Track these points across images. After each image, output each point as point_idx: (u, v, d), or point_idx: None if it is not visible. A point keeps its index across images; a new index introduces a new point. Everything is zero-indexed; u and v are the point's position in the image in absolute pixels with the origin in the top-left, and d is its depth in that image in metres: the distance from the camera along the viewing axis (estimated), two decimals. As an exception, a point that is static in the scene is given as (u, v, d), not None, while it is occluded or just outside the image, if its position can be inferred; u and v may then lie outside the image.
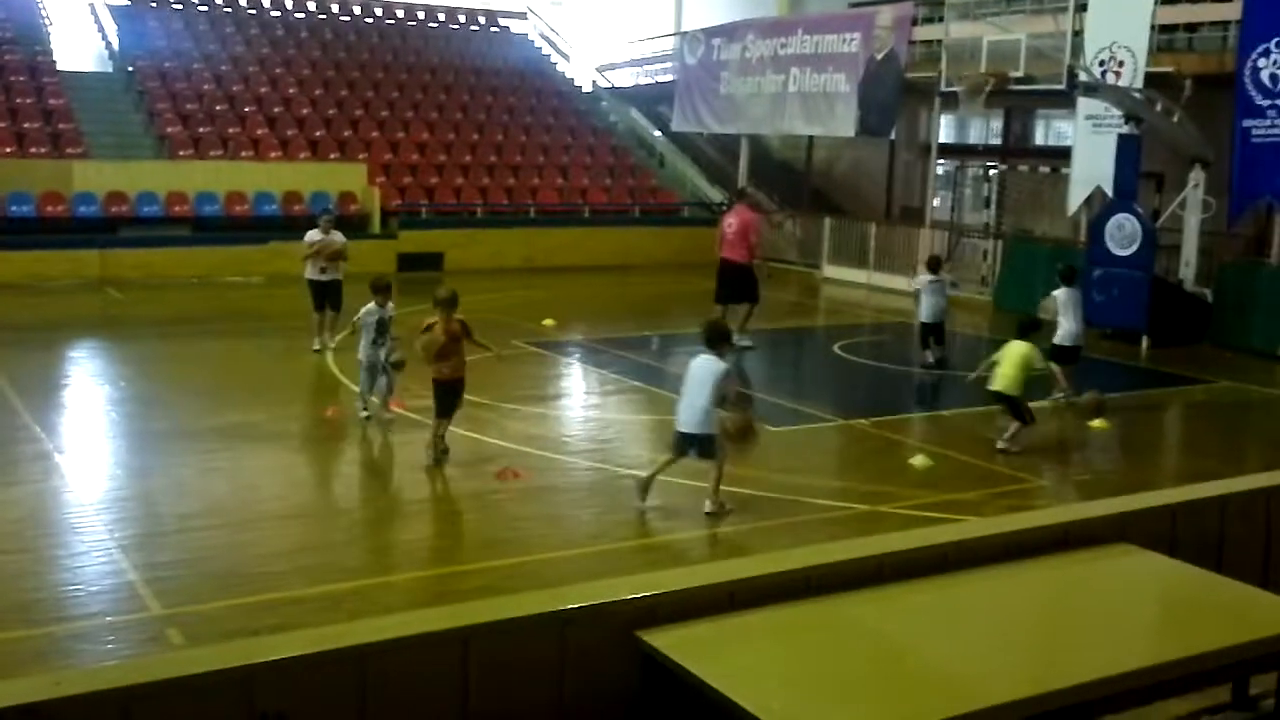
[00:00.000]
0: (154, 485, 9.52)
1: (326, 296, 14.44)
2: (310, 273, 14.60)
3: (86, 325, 17.41)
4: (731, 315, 14.96)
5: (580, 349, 16.03)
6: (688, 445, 8.95)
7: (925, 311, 14.56)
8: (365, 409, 11.40)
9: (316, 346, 14.36)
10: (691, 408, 8.88)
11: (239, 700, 3.53)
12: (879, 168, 26.36)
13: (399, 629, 3.84)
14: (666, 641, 4.06)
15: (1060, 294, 12.92)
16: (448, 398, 10.15)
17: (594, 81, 32.18)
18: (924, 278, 14.74)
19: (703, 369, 8.91)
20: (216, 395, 12.62)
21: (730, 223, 16.03)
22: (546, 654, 4.00)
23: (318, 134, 24.97)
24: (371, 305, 11.26)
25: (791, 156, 28.76)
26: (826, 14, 25.64)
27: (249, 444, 10.78)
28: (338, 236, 14.74)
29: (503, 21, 33.10)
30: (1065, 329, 12.82)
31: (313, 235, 14.72)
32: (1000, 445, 10.84)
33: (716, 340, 9.12)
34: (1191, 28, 18.65)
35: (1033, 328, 11.22)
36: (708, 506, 8.92)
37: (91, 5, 27.68)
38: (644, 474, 9.20)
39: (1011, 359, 10.84)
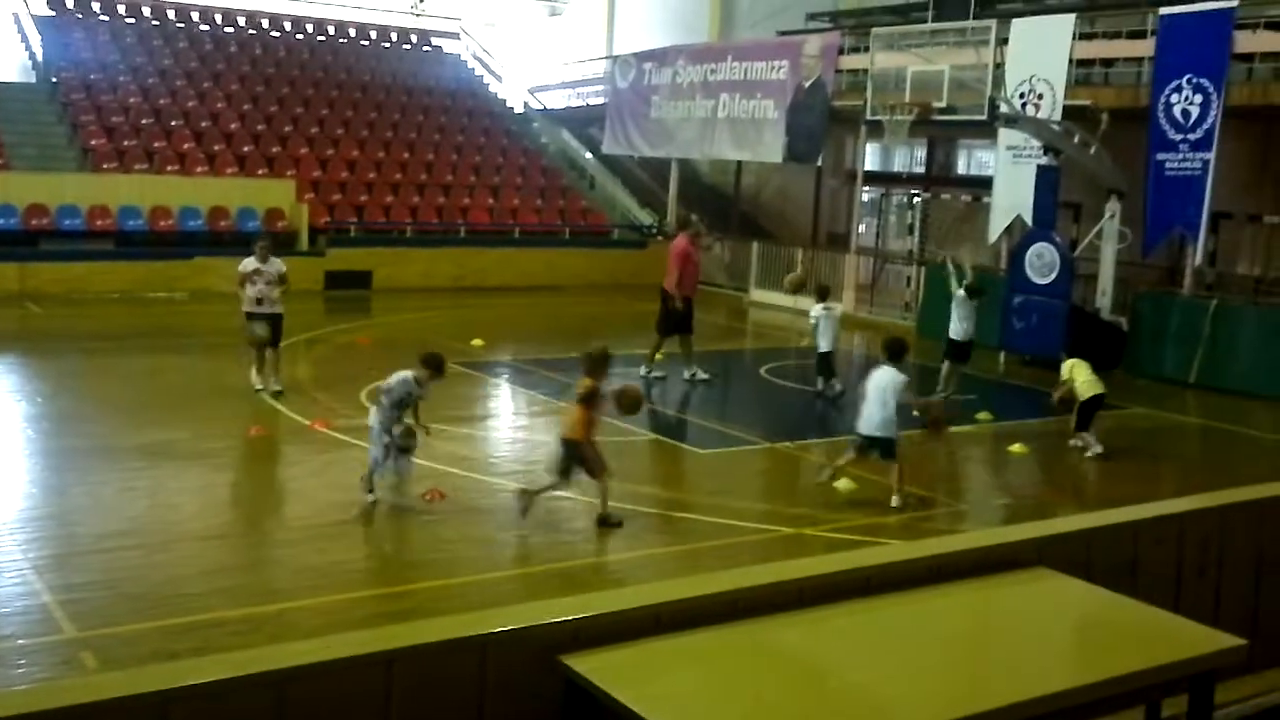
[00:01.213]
0: (70, 504, 9.33)
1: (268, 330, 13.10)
2: (247, 305, 13.11)
3: (3, 340, 17.02)
4: (685, 344, 15.23)
5: (509, 369, 16.00)
6: (870, 447, 10.07)
7: (826, 341, 14.29)
8: (372, 491, 9.47)
9: (259, 386, 13.06)
10: (874, 414, 9.96)
11: (155, 726, 3.48)
12: (806, 193, 26.65)
13: (320, 653, 3.80)
14: (590, 666, 4.06)
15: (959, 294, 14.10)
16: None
17: (526, 103, 32.22)
18: (819, 308, 14.45)
19: (885, 378, 10.00)
20: (138, 412, 12.41)
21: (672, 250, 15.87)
22: (469, 678, 3.98)
23: (245, 149, 24.69)
24: (408, 376, 9.30)
25: (720, 181, 29.00)
26: (756, 41, 25.94)
27: (170, 462, 10.61)
28: (276, 264, 13.27)
29: (435, 41, 33.03)
30: (958, 326, 14.06)
31: (249, 263, 13.21)
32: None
33: (898, 353, 10.22)
34: (1108, 63, 19.12)
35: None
36: (894, 502, 9.91)
37: (15, 15, 27.19)
38: (824, 474, 10.17)
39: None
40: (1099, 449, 12.10)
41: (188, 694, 3.54)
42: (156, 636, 6.79)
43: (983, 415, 13.48)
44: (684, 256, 15.50)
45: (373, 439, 9.39)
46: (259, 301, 13.05)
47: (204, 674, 3.66)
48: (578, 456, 9.17)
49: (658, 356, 15.44)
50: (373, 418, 9.42)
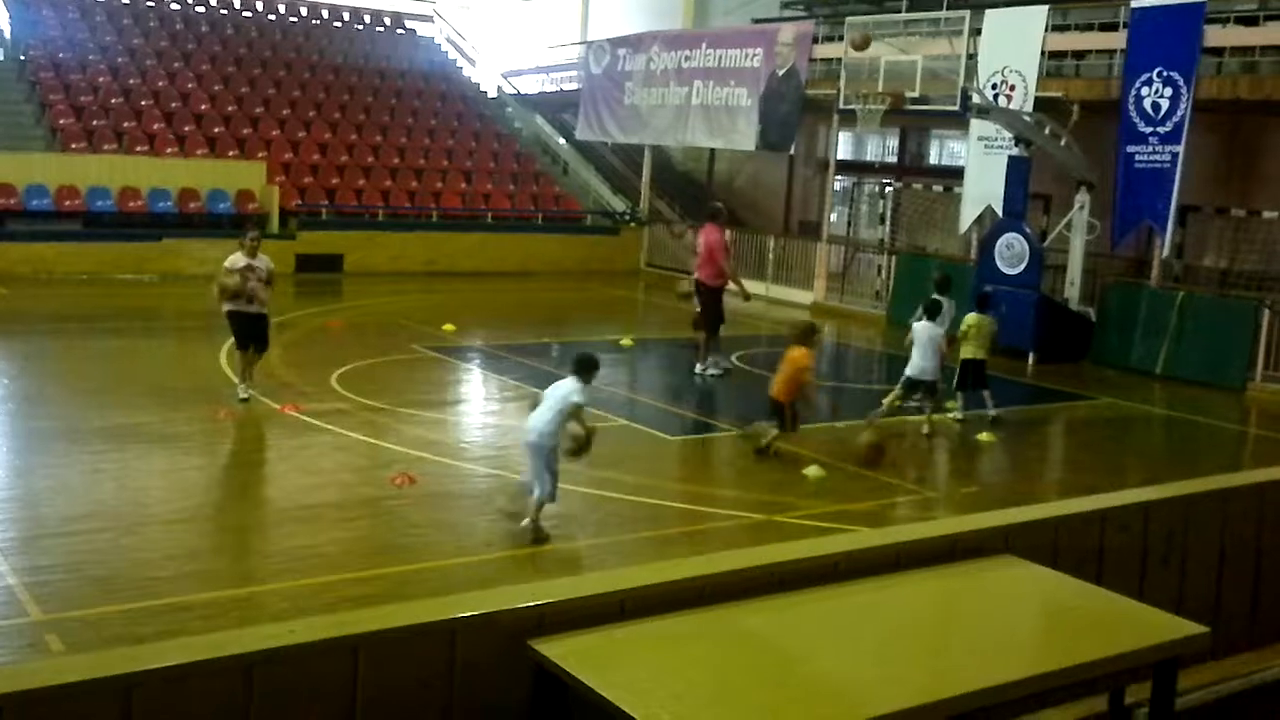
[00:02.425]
0: (37, 486, 9.26)
1: (252, 332, 12.02)
2: (234, 304, 11.89)
3: (-33, 321, 16.86)
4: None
5: (480, 354, 15.97)
6: (914, 389, 12.45)
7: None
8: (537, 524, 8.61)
9: (244, 395, 11.95)
10: (923, 363, 12.32)
11: (118, 711, 3.46)
12: (778, 182, 26.70)
13: (286, 638, 3.78)
14: (557, 651, 4.06)
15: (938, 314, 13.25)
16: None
17: (499, 87, 32.09)
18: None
19: (934, 331, 12.41)
20: (105, 395, 12.32)
21: (699, 242, 15.53)
22: (436, 664, 3.98)
23: (216, 130, 24.49)
24: (578, 384, 8.65)
25: (693, 168, 29.00)
26: (730, 29, 25.94)
27: (137, 445, 10.54)
28: (265, 260, 12.06)
29: (409, 24, 32.84)
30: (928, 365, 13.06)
31: (237, 260, 11.89)
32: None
33: (934, 312, 12.60)
34: (1079, 55, 19.24)
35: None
36: (925, 429, 12.38)
37: (-18, -8, 26.83)
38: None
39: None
40: (992, 411, 12.86)
41: (152, 677, 3.52)
42: (122, 620, 6.76)
43: (951, 404, 13.54)
44: (724, 248, 15.24)
45: (540, 456, 8.48)
46: (249, 300, 11.84)
47: (169, 657, 3.64)
48: (780, 414, 11.05)
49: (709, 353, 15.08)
50: (539, 433, 8.49)
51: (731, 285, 15.28)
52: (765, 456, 10.92)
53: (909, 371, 12.46)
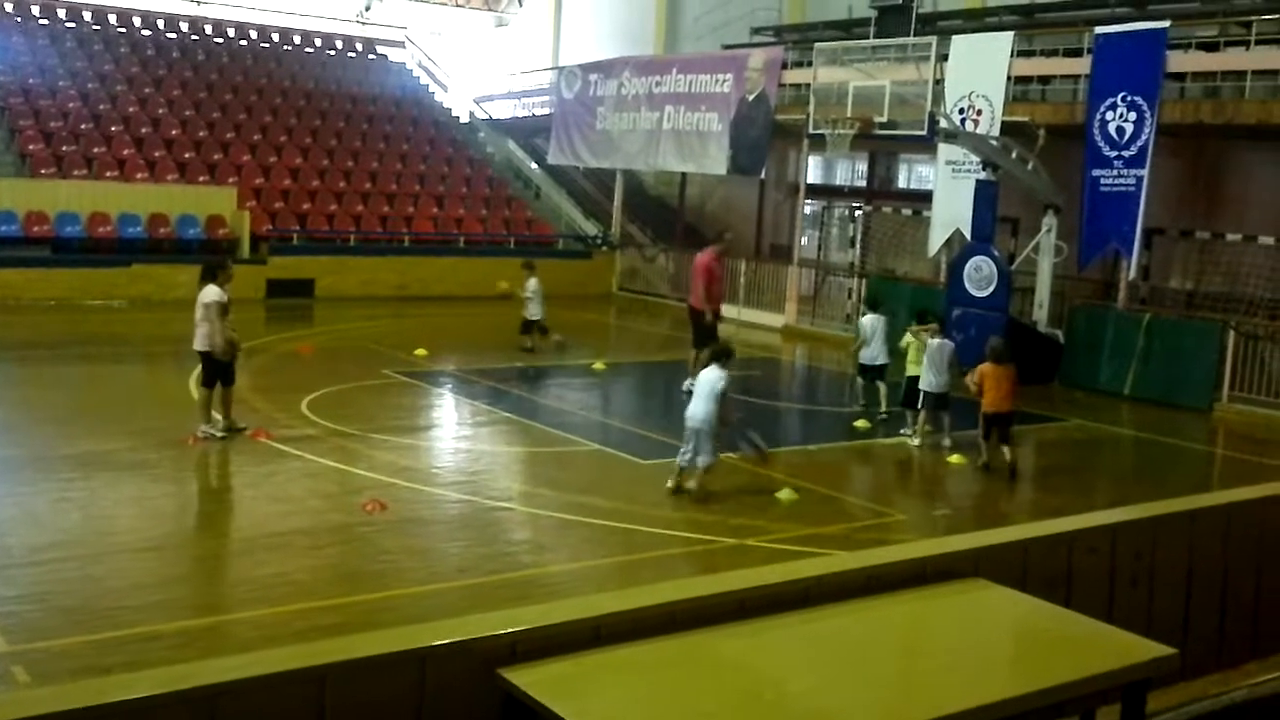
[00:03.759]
0: (3, 516, 9.15)
1: (220, 368, 11.63)
2: (209, 343, 11.41)
3: (-67, 348, 16.70)
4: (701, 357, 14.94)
5: (452, 379, 15.93)
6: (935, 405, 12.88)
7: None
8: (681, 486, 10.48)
9: (219, 434, 11.53)
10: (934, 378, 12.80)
11: (86, 743, 3.43)
12: (749, 206, 26.82)
13: (252, 668, 3.75)
14: (528, 679, 4.04)
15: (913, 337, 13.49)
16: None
17: (471, 112, 32.14)
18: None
19: (948, 348, 12.88)
20: (72, 422, 12.21)
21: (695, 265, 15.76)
22: (405, 693, 3.95)
23: (187, 156, 24.41)
24: (721, 371, 10.46)
25: (665, 192, 29.10)
26: (701, 55, 26.10)
27: (105, 473, 10.45)
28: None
29: (381, 49, 32.86)
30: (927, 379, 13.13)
31: (223, 295, 11.42)
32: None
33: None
34: (1045, 80, 19.45)
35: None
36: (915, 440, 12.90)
37: (-49, 17, 26.72)
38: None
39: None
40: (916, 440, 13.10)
41: (118, 710, 3.49)
42: (90, 651, 6.69)
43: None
44: (708, 271, 15.45)
45: (704, 437, 10.28)
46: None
47: (134, 690, 3.61)
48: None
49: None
50: (701, 419, 10.28)
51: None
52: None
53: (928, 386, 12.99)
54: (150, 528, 9.19)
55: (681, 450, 10.46)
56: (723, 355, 10.72)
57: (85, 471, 10.39)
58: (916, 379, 13.14)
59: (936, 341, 12.97)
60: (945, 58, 19.02)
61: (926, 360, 12.88)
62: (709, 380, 10.38)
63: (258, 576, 8.22)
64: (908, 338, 13.50)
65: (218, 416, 11.72)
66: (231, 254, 14.76)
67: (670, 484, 10.55)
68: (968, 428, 12.93)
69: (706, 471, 10.34)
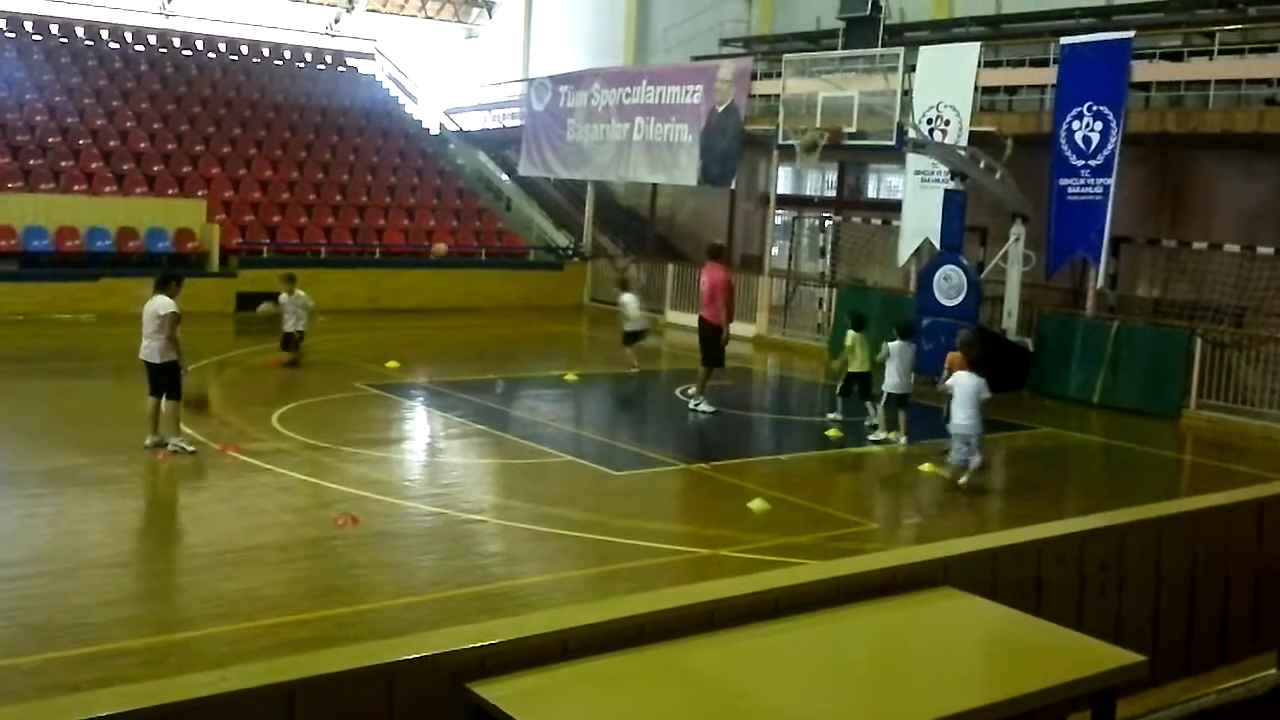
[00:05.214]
0: (-32, 534, 9.08)
1: (170, 379, 11.53)
2: (161, 354, 11.45)
3: (-102, 364, 16.53)
4: (718, 375, 15.06)
5: (424, 392, 15.89)
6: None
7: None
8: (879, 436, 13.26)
9: (189, 448, 11.48)
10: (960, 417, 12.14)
11: (53, 762, 3.40)
12: (720, 216, 26.89)
13: (218, 685, 3.72)
14: (498, 693, 4.03)
15: (893, 345, 13.56)
16: None
17: (442, 124, 32.10)
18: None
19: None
20: (40, 437, 12.12)
21: (702, 281, 15.44)
22: (374, 708, 3.93)
23: (155, 169, 24.27)
24: (902, 344, 13.08)
25: (636, 204, 29.13)
26: (670, 66, 26.17)
27: (74, 488, 10.36)
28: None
29: (350, 61, 32.77)
30: (893, 379, 13.52)
31: (173, 305, 11.47)
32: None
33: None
34: (1012, 90, 19.62)
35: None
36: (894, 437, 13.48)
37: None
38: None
39: None
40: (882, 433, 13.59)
41: (86, 729, 3.46)
42: (58, 668, 6.64)
43: (893, 434, 13.68)
44: (729, 287, 15.21)
45: (977, 449, 11.51)
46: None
47: (100, 708, 3.57)
48: None
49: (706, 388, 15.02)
50: (969, 427, 11.39)
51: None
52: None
53: (889, 387, 13.63)
54: (119, 543, 9.13)
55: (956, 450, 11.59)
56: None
57: (54, 487, 10.30)
58: (857, 375, 14.03)
59: (899, 344, 13.47)
60: (913, 68, 19.16)
61: (893, 362, 13.35)
62: (972, 387, 11.39)
63: (228, 591, 8.17)
64: (883, 350, 13.66)
65: (187, 430, 11.64)
66: (194, 267, 14.64)
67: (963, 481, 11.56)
68: (939, 437, 13.01)
69: (978, 471, 11.56)
